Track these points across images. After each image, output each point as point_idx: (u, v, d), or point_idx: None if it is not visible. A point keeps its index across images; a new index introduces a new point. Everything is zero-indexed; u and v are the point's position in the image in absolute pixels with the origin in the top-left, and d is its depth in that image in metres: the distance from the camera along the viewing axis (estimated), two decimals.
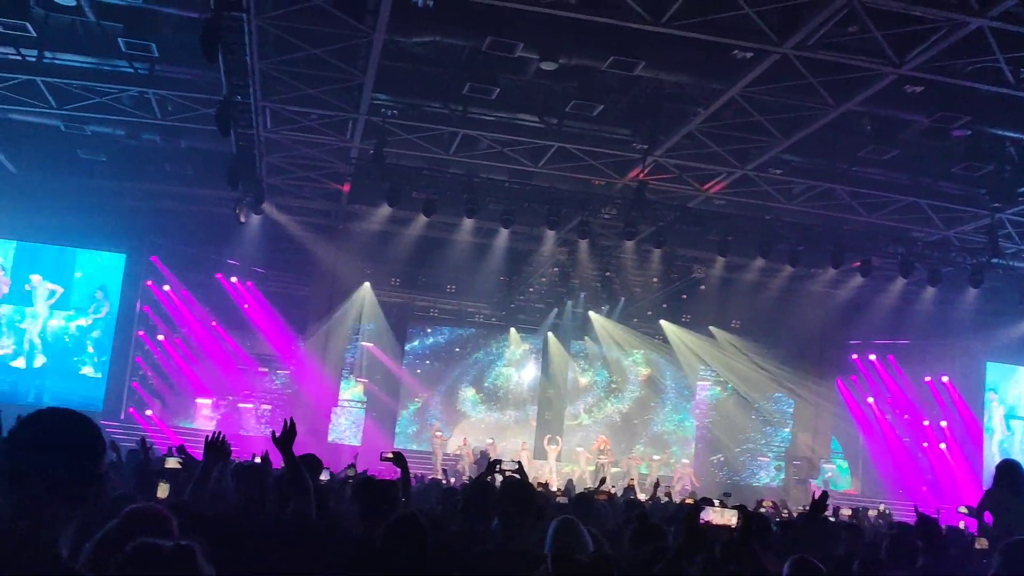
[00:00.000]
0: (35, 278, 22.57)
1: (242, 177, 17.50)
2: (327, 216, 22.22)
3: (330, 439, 24.26)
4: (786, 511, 16.79)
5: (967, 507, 8.83)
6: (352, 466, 12.32)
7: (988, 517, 7.65)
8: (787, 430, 28.26)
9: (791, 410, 28.17)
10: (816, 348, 26.73)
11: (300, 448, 4.98)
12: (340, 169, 18.82)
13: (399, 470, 6.38)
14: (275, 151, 18.09)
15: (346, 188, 19.39)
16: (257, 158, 17.48)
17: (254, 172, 18.12)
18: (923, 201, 17.76)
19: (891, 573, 4.53)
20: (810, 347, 26.63)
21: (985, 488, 7.75)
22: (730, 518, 3.90)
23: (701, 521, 3.81)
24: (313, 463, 6.75)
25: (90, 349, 22.85)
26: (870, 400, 26.78)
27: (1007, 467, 7.45)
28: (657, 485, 16.47)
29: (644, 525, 5.33)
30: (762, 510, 13.00)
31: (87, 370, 22.84)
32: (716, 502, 6.52)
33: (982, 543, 6.83)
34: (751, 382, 27.40)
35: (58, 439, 2.15)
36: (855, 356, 26.85)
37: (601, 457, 24.81)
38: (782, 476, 27.69)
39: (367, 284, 24.18)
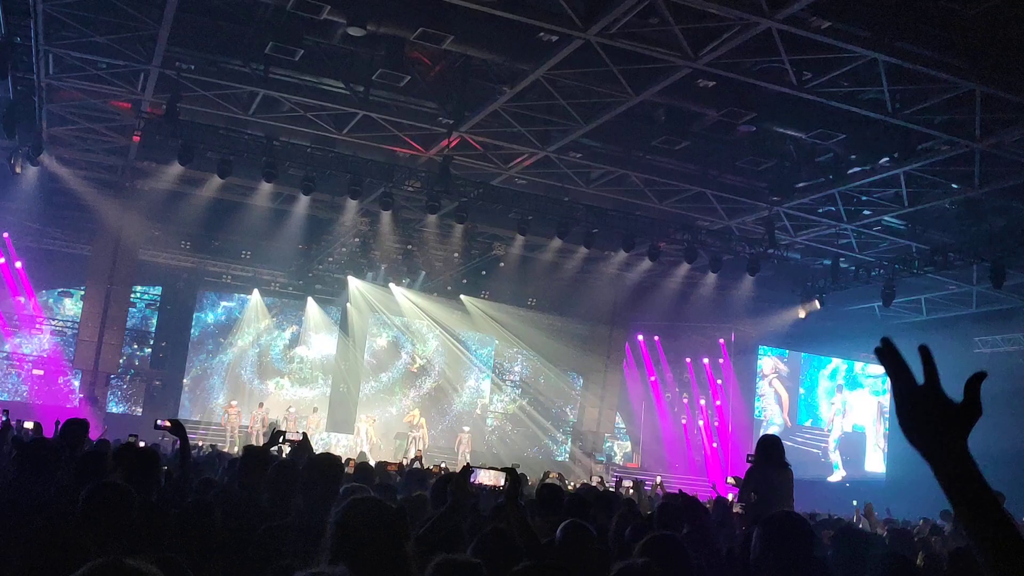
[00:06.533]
0: None
1: (19, 125, 16.26)
2: (113, 172, 20.95)
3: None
4: (571, 483, 17.41)
5: (735, 477, 9.45)
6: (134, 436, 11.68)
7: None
8: (575, 406, 29.32)
9: (579, 387, 29.24)
10: (606, 328, 27.81)
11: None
12: (129, 122, 17.77)
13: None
14: (58, 99, 16.87)
15: (136, 138, 18.23)
16: (37, 105, 16.25)
17: (33, 120, 16.84)
18: (709, 191, 18.73)
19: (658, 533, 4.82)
20: (600, 327, 27.69)
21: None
22: (498, 479, 4.00)
23: (474, 482, 3.89)
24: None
25: None
26: (652, 379, 28.26)
27: (767, 442, 8.01)
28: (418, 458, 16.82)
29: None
30: (548, 481, 13.38)
31: None
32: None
33: (737, 508, 7.42)
34: (546, 358, 28.25)
35: None
36: (640, 336, 28.19)
37: (413, 431, 25.05)
38: (567, 449, 28.73)
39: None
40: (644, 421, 28.49)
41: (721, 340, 27.48)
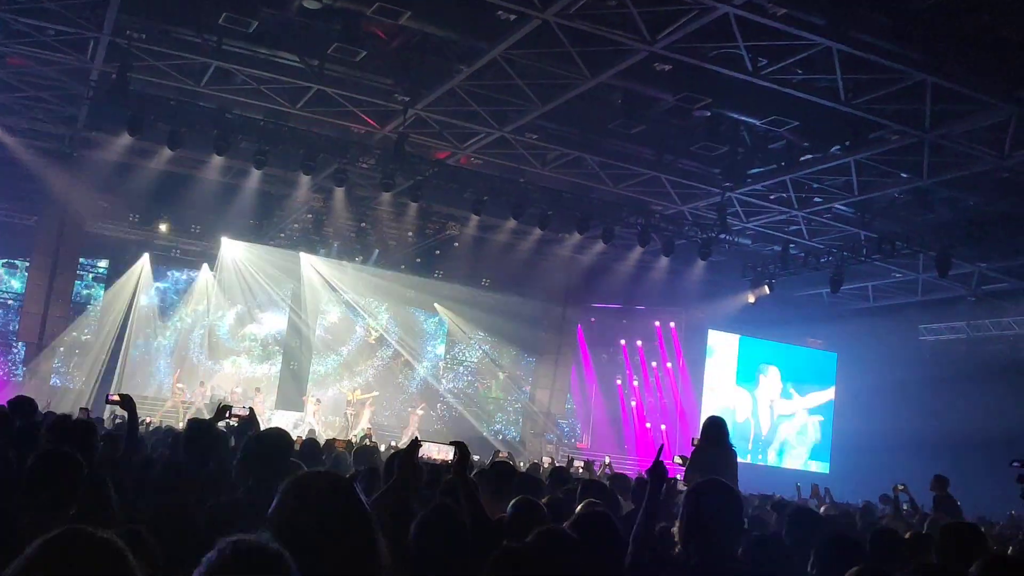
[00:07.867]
0: None
1: None
2: (61, 141, 20.48)
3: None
4: (521, 463, 17.52)
5: (681, 457, 9.59)
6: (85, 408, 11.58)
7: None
8: (527, 386, 29.41)
9: (532, 367, 29.33)
10: (559, 309, 27.91)
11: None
12: (77, 91, 17.38)
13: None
14: (3, 66, 16.44)
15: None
16: None
17: None
18: (663, 176, 18.82)
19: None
20: (553, 308, 27.78)
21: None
22: (447, 453, 4.01)
23: (423, 456, 3.89)
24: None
25: None
26: (603, 360, 28.44)
27: (712, 422, 8.14)
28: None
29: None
30: (498, 460, 13.42)
31: None
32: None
33: (682, 486, 7.57)
34: (498, 338, 28.28)
35: None
36: (593, 318, 28.35)
37: (348, 408, 24.90)
38: (519, 429, 28.85)
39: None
40: (594, 402, 28.71)
41: (671, 323, 27.70)
